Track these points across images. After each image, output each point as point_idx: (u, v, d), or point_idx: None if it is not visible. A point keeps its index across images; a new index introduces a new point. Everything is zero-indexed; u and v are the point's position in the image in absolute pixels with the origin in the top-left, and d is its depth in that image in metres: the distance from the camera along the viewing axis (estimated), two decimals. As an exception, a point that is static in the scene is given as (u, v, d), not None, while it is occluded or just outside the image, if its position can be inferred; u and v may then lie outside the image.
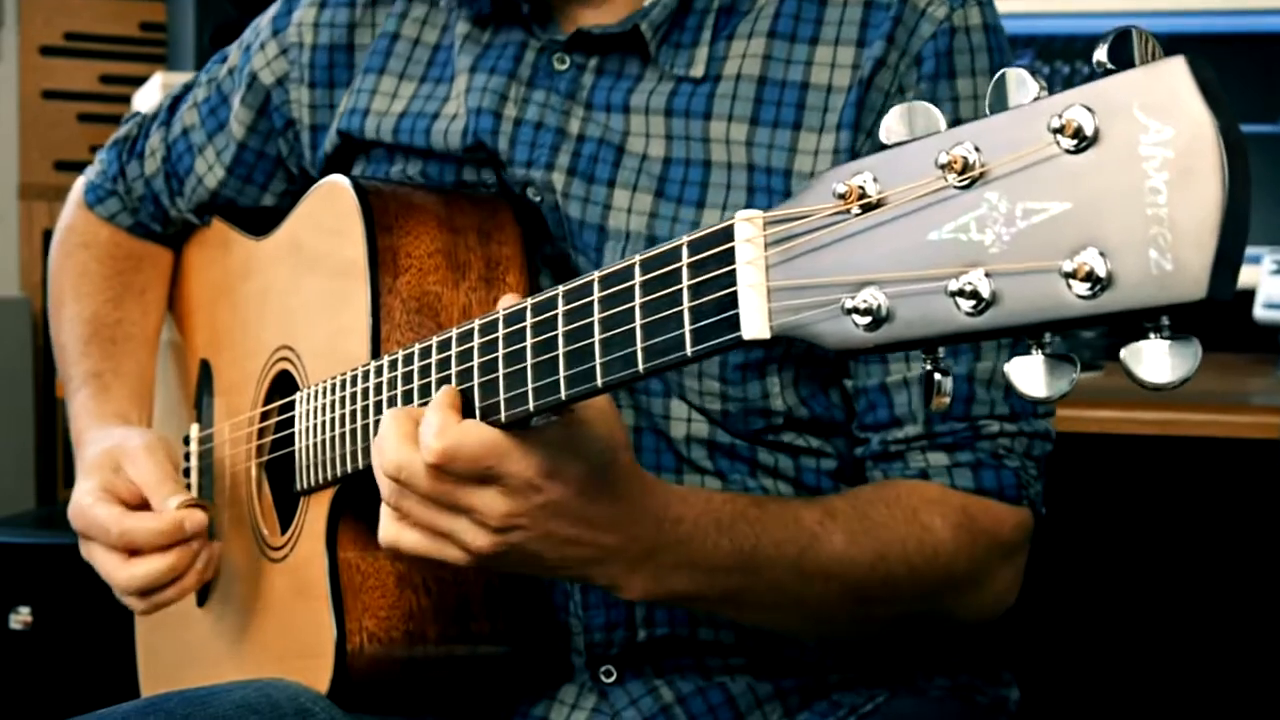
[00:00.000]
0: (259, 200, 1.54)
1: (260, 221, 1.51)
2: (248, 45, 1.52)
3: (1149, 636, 2.38)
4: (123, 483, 1.37)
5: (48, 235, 1.72)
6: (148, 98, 2.72)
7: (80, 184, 1.66)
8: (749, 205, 1.22)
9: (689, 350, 0.84)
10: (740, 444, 1.26)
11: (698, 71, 1.26)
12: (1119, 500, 2.39)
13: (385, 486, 1.03)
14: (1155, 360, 0.66)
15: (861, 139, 1.22)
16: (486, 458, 0.98)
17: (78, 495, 1.38)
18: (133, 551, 1.34)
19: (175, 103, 1.60)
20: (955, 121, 1.21)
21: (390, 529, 1.05)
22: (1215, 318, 0.73)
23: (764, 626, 1.23)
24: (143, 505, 1.36)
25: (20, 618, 2.46)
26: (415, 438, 1.01)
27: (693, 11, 1.28)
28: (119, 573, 1.34)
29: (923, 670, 1.32)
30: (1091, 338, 2.16)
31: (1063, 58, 2.34)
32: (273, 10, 1.51)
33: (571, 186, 1.27)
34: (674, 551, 1.08)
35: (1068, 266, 0.66)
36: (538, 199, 1.29)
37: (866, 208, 0.74)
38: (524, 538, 1.02)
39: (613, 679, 1.27)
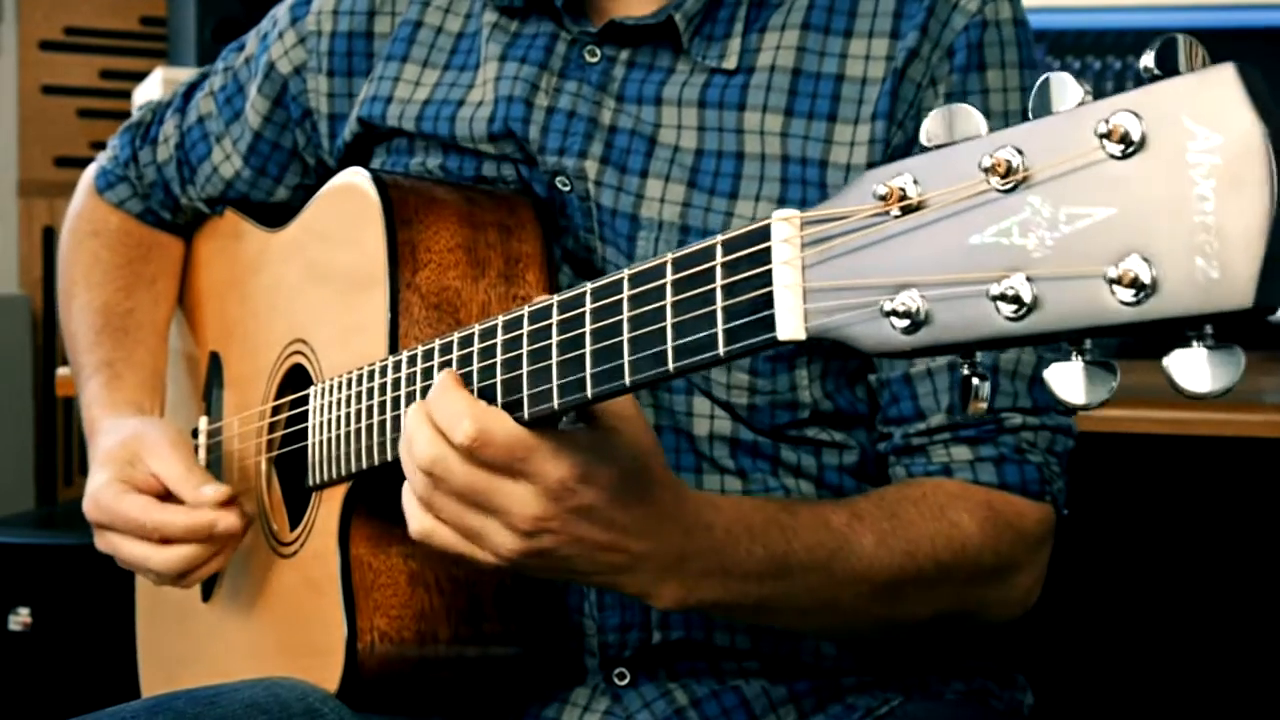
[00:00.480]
0: (272, 193, 1.53)
1: (273, 216, 1.50)
2: (265, 34, 1.52)
3: (1162, 638, 2.37)
4: (141, 475, 1.36)
5: (47, 232, 1.71)
6: (148, 93, 2.71)
7: (92, 169, 1.65)
8: (783, 196, 1.24)
9: (721, 350, 0.83)
10: (763, 441, 1.25)
11: (730, 63, 1.27)
12: (1130, 500, 2.38)
13: (418, 481, 1.02)
14: (1197, 369, 0.66)
15: (894, 129, 1.23)
16: (517, 448, 0.97)
17: (94, 488, 1.37)
18: (164, 540, 1.34)
19: (191, 90, 1.60)
20: (984, 112, 1.24)
21: (424, 522, 1.03)
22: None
23: (795, 630, 1.22)
24: (163, 497, 1.35)
25: (20, 618, 2.45)
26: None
27: (725, 4, 1.28)
28: (155, 557, 1.34)
29: (938, 674, 1.32)
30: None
31: (1074, 53, 2.34)
32: None
33: (604, 175, 1.27)
34: (705, 559, 1.07)
35: (1112, 272, 0.65)
36: (567, 188, 1.29)
37: (907, 210, 0.73)
38: (555, 542, 1.01)
39: (626, 681, 1.26)
